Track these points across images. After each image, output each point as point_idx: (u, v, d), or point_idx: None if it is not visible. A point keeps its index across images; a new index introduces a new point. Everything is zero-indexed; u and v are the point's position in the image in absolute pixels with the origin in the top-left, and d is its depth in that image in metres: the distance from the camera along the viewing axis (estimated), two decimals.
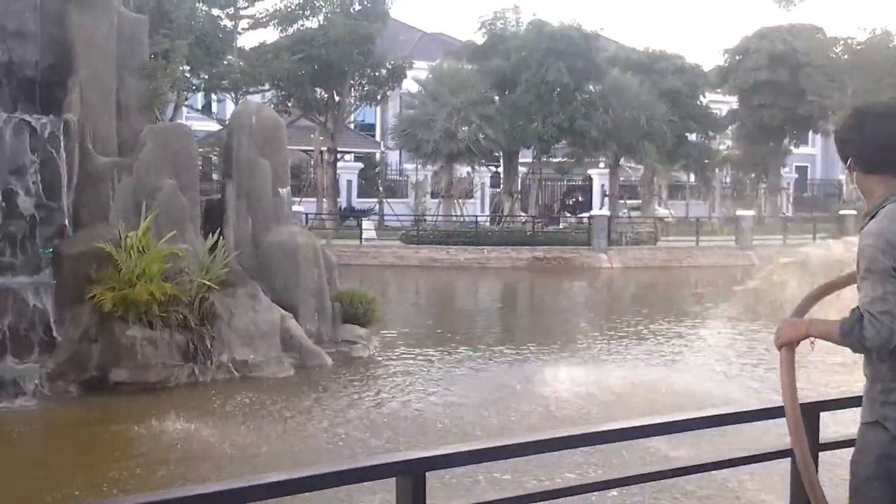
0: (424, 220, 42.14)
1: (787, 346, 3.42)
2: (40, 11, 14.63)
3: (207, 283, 13.54)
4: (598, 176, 52.42)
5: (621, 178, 49.04)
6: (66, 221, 13.33)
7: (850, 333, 3.12)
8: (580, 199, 54.98)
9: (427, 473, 3.08)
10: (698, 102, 47.85)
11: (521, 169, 48.10)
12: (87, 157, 13.95)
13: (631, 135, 41.65)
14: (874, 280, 3.11)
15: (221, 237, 14.49)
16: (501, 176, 47.02)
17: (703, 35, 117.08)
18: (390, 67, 43.24)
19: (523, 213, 45.05)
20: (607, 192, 48.69)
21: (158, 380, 12.73)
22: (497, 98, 42.65)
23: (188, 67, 32.77)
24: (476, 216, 43.63)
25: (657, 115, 41.77)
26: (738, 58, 51.43)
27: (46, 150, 13.52)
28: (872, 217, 3.25)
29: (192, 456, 9.79)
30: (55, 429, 11.30)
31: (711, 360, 15.99)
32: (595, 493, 3.70)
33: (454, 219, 42.03)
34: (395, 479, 3.07)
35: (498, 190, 49.41)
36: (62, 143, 13.63)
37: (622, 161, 47.13)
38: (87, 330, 12.70)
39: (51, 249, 13.03)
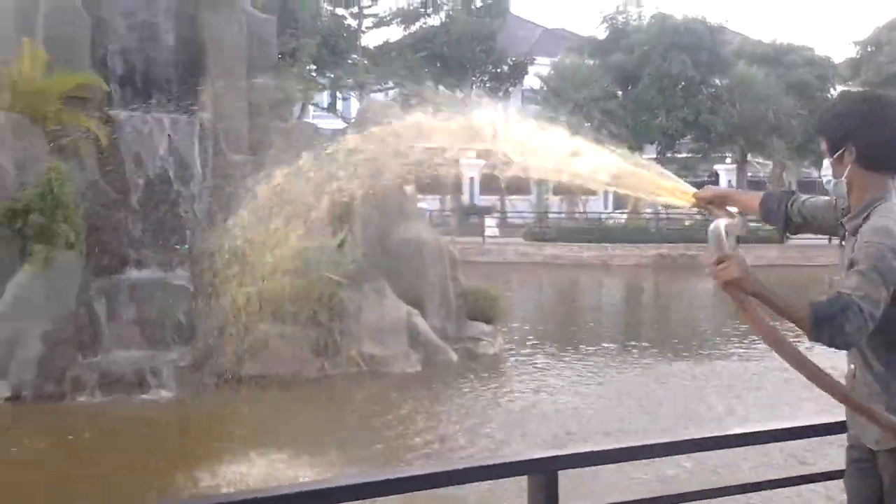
0: (547, 217, 42.00)
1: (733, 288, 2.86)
2: (173, 14, 15.13)
3: (336, 278, 13.76)
4: (725, 172, 51.36)
5: (749, 174, 47.98)
6: (201, 218, 13.73)
7: (828, 321, 2.75)
8: None
9: (560, 473, 3.09)
10: (828, 96, 46.43)
11: None
12: (219, 155, 14.36)
13: (758, 129, 40.72)
14: (874, 278, 2.81)
15: (349, 234, 14.71)
16: None
17: (833, 26, 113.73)
18: (512, 64, 43.29)
19: (648, 210, 44.51)
20: (734, 188, 47.69)
21: (290, 373, 12.99)
22: (620, 93, 42.27)
23: (314, 67, 33.40)
24: (600, 213, 43.27)
25: (785, 108, 40.73)
26: (870, 49, 49.72)
27: (181, 149, 13.97)
28: (865, 217, 2.98)
29: (342, 444, 9.94)
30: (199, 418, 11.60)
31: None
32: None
33: (577, 216, 41.78)
34: (526, 477, 3.08)
35: None
36: (196, 142, 14.07)
37: (749, 157, 46.10)
38: (223, 324, 13.05)
39: (186, 245, 13.44)
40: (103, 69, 14.37)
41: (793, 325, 2.83)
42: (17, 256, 12.41)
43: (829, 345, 2.82)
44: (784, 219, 3.43)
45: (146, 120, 14.02)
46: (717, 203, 3.48)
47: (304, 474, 8.97)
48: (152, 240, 13.70)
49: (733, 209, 3.47)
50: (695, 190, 3.61)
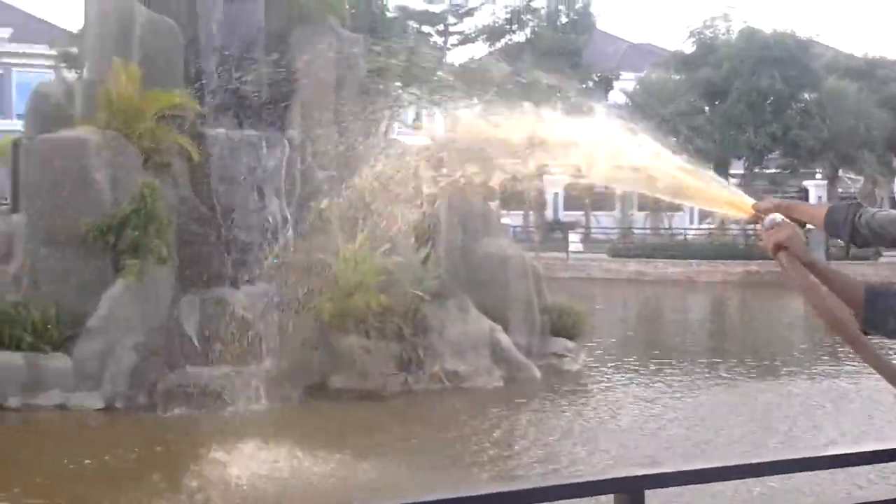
0: (632, 233, 41.67)
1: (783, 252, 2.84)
2: (265, 33, 15.46)
3: (420, 294, 13.87)
4: (815, 187, 50.39)
5: (839, 190, 46.98)
6: (289, 233, 13.97)
7: (882, 296, 2.61)
8: None
9: (647, 492, 3.08)
10: None
11: (732, 181, 46.83)
12: (307, 172, 14.60)
13: (849, 144, 39.88)
14: None
15: (433, 250, 14.82)
16: None
17: None
18: (597, 79, 43.07)
19: (734, 226, 43.86)
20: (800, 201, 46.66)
21: (375, 387, 13.12)
22: (707, 108, 41.77)
23: (400, 84, 33.71)
24: (685, 229, 42.77)
25: (877, 123, 39.82)
26: None
27: (270, 166, 14.25)
28: None
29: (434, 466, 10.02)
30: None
31: None
32: None
33: (662, 232, 41.37)
34: (612, 496, 3.09)
35: None
36: (284, 159, 14.33)
37: (840, 172, 45.15)
38: (308, 338, 13.26)
39: (274, 260, 13.69)
40: (196, 88, 14.74)
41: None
42: (112, 270, 12.78)
43: (879, 328, 2.65)
44: (850, 232, 3.35)
45: (236, 137, 14.34)
46: (780, 212, 3.44)
47: (383, 486, 9.06)
48: (241, 254, 13.98)
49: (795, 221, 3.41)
50: (753, 201, 3.51)
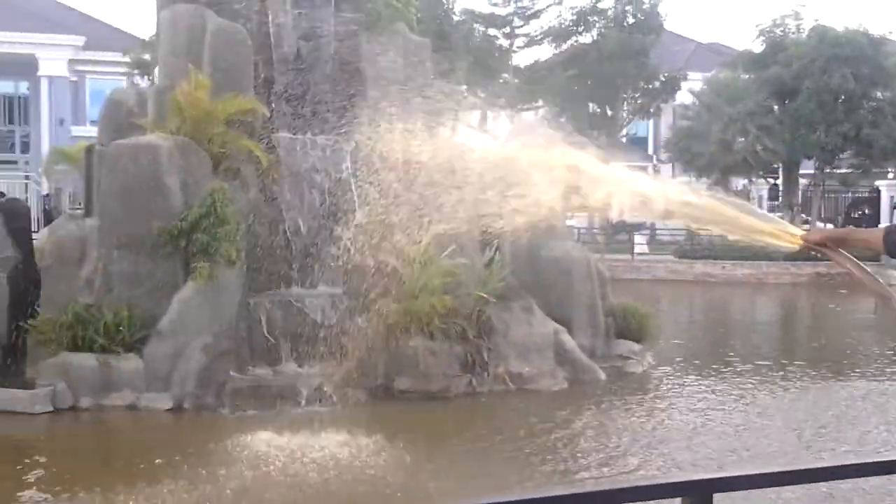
0: (698, 234, 41.23)
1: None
2: (333, 38, 15.64)
3: (485, 296, 13.91)
4: (887, 188, 49.39)
5: None
6: (355, 236, 14.10)
7: None
8: (867, 212, 51.97)
9: (715, 496, 3.09)
10: None
11: (802, 181, 46.13)
12: (375, 175, 14.71)
13: None
14: None
15: (498, 252, 14.85)
16: (780, 188, 45.30)
17: None
18: (664, 79, 42.75)
19: (805, 227, 43.25)
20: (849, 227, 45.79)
21: (439, 389, 13.20)
22: (776, 107, 41.19)
23: (466, 86, 33.80)
24: None
25: None
26: None
27: (337, 169, 14.41)
28: None
29: (494, 472, 10.09)
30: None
31: None
32: None
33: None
34: (679, 499, 3.10)
35: (777, 203, 47.62)
36: (352, 162, 14.48)
37: None
38: (374, 339, 13.37)
39: (341, 263, 13.83)
40: (265, 93, 14.96)
41: None
42: (182, 273, 13.03)
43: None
44: None
45: (305, 142, 14.53)
46: (830, 245, 3.34)
47: (446, 487, 9.12)
48: (309, 257, 14.16)
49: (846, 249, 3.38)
50: (802, 231, 3.47)
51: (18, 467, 9.84)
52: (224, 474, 9.56)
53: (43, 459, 10.44)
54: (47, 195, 38.36)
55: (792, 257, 35.64)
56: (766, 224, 3.50)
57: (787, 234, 3.45)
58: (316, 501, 9.09)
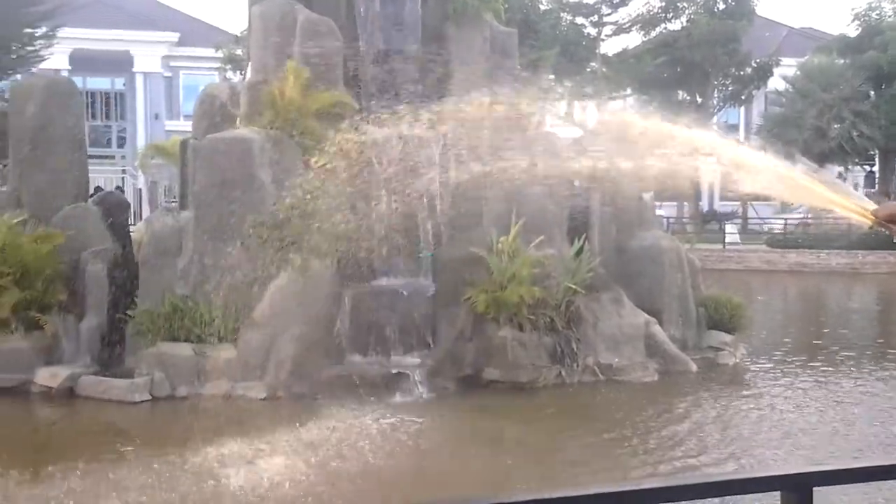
0: (792, 223, 40.43)
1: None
2: (420, 29, 15.71)
3: (573, 287, 13.85)
4: None
5: None
6: (444, 227, 14.17)
7: None
8: None
9: (814, 489, 3.04)
10: None
11: None
12: (462, 166, 14.74)
13: None
14: None
15: (586, 242, 14.76)
16: (877, 175, 44.15)
17: None
18: (756, 66, 41.97)
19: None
20: None
21: (528, 380, 13.18)
22: (872, 93, 40.16)
23: (553, 76, 33.62)
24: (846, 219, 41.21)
25: None
26: None
27: (425, 161, 14.46)
28: None
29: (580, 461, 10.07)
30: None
31: None
32: None
33: (825, 221, 39.97)
34: (779, 493, 3.06)
35: (873, 191, 46.42)
36: (439, 153, 14.52)
37: None
38: (463, 330, 13.43)
39: (430, 254, 13.92)
40: (354, 85, 15.08)
41: None
42: (275, 264, 13.23)
43: None
44: None
45: (392, 134, 14.61)
46: None
47: (532, 476, 9.13)
48: (398, 248, 14.25)
49: None
50: (874, 206, 3.42)
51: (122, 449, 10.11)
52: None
53: (139, 443, 10.66)
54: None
55: (890, 246, 34.75)
56: (840, 197, 3.48)
57: (860, 208, 3.43)
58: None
